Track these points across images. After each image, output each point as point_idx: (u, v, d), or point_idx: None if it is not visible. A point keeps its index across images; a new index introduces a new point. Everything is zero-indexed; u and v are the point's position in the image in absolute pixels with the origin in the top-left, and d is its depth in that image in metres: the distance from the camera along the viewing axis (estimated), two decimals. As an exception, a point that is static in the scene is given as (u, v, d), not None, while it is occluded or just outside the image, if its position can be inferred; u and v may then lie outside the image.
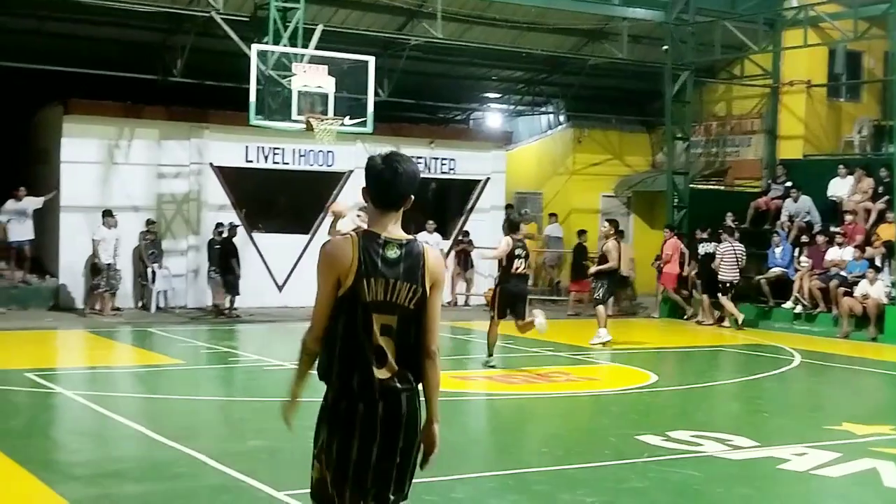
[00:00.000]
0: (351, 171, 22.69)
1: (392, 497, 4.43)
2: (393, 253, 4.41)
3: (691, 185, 23.93)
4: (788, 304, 20.10)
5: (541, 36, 23.70)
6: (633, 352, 16.96)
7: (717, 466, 8.74)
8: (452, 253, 23.88)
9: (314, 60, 18.37)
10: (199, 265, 21.51)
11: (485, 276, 24.34)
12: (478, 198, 24.79)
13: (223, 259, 20.27)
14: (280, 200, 24.17)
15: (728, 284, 20.13)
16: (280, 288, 22.02)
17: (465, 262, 24.13)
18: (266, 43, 18.63)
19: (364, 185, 4.52)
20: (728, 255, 20.13)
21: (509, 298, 14.38)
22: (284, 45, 18.63)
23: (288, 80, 18.08)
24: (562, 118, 28.80)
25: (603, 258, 17.37)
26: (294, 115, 18.08)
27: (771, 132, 25.10)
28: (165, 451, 8.84)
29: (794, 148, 24.59)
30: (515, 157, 27.43)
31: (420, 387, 4.50)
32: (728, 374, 15.52)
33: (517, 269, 14.34)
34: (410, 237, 4.53)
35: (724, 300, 20.22)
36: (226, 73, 20.90)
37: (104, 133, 20.95)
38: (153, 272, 20.71)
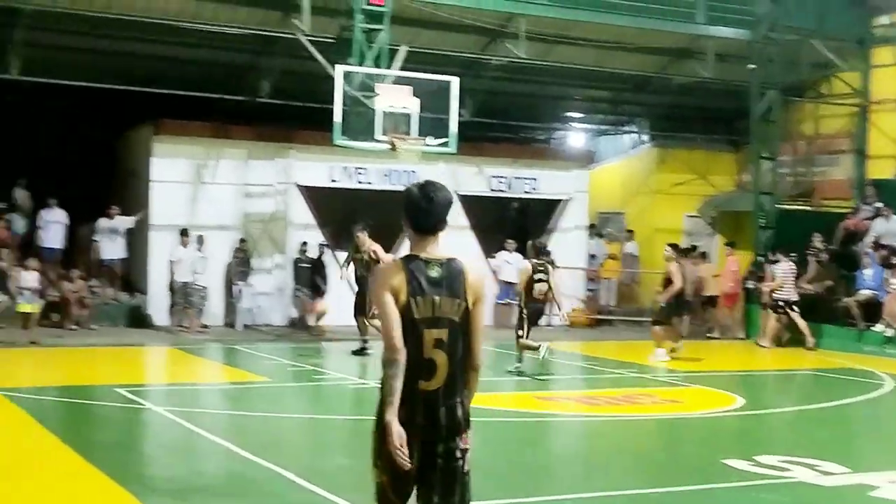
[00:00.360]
0: (434, 191, 22.75)
1: (437, 501, 4.74)
2: (435, 272, 4.80)
3: (778, 206, 23.57)
4: (879, 328, 19.65)
5: (625, 55, 23.61)
6: (718, 375, 16.71)
7: (807, 493, 8.56)
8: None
9: (398, 81, 18.54)
10: (285, 283, 21.78)
11: (566, 297, 24.24)
12: (560, 217, 24.71)
13: (312, 278, 20.57)
14: (364, 220, 24.29)
15: (785, 304, 20.11)
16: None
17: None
18: (351, 64, 18.85)
19: (403, 212, 4.92)
20: (788, 275, 20.15)
21: (530, 319, 15.24)
22: (369, 66, 18.83)
23: (372, 100, 18.26)
24: (645, 137, 28.61)
25: (668, 281, 17.33)
26: (378, 136, 18.24)
27: (860, 151, 24.60)
28: (251, 467, 8.94)
29: (884, 167, 24.07)
30: (598, 176, 27.29)
31: (461, 396, 4.87)
32: (816, 398, 15.20)
33: (538, 293, 15.16)
34: (450, 256, 4.88)
35: (796, 317, 20.14)
36: (311, 93, 21.17)
37: (193, 153, 21.34)
38: (240, 290, 21.01)
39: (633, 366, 16.52)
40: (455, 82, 19.09)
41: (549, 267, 15.69)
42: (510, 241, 23.06)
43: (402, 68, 19.25)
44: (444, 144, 18.91)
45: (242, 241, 21.33)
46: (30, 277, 18.04)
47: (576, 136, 30.54)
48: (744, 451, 10.01)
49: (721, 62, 23.85)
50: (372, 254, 16.90)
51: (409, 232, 4.93)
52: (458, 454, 4.82)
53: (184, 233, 20.24)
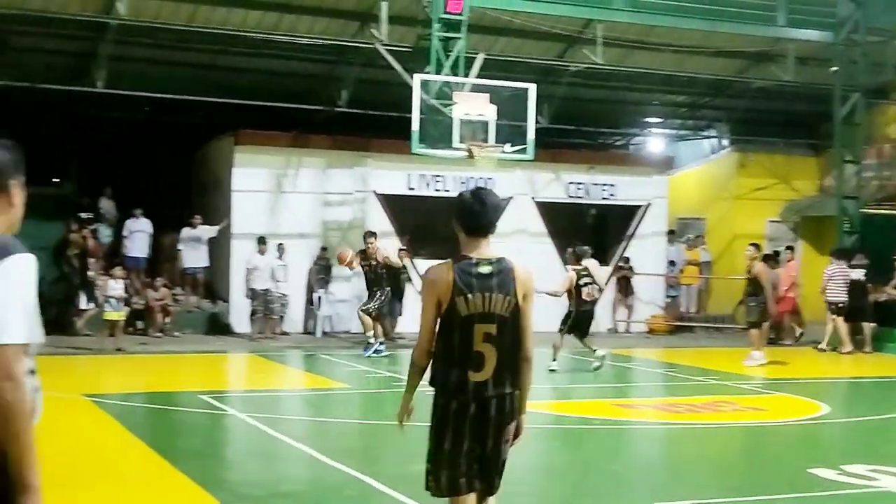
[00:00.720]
0: (510, 198, 22.77)
1: (484, 482, 5.25)
2: (486, 269, 5.14)
3: (862, 210, 23.11)
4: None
5: (704, 59, 23.38)
6: (802, 382, 16.44)
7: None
8: (613, 279, 23.67)
9: (475, 89, 18.59)
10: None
11: (645, 303, 24.08)
12: (639, 223, 24.53)
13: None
14: (441, 227, 24.39)
15: (838, 306, 20.07)
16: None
17: (625, 288, 23.88)
18: (428, 72, 18.94)
19: (455, 217, 5.28)
20: (837, 277, 20.19)
21: (580, 321, 16.07)
22: (446, 75, 18.90)
23: (449, 108, 18.32)
24: (725, 142, 28.27)
25: (755, 282, 17.18)
26: (455, 143, 18.30)
27: (948, 154, 24.07)
28: (334, 473, 9.01)
29: (974, 170, 23.51)
30: (677, 181, 27.02)
31: (512, 387, 5.22)
32: (905, 407, 14.87)
33: (589, 295, 16.09)
34: (501, 255, 5.24)
35: (839, 322, 20.11)
36: (388, 102, 21.32)
37: (273, 162, 21.61)
38: (319, 297, 21.21)
39: (714, 373, 16.32)
40: (532, 89, 19.08)
41: (593, 268, 16.51)
42: (585, 247, 22.89)
43: (479, 76, 19.29)
44: (522, 151, 18.90)
45: (323, 249, 21.54)
46: (116, 286, 18.42)
47: (654, 141, 30.29)
48: (830, 459, 9.84)
49: (802, 65, 23.48)
50: (384, 260, 17.95)
51: (461, 234, 5.28)
52: (503, 443, 5.21)
53: (261, 241, 20.47)
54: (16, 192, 3.39)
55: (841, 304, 20.19)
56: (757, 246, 18.10)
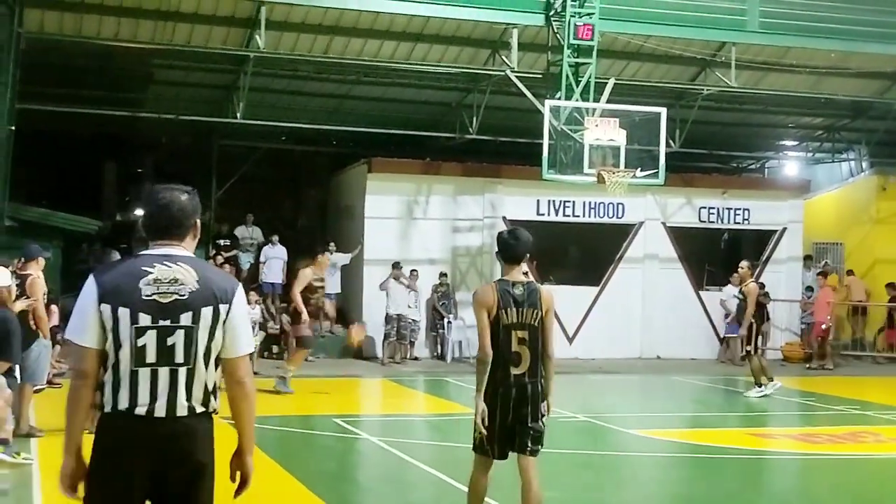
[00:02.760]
0: (641, 223, 22.59)
1: (528, 447, 6.90)
2: (519, 290, 6.83)
3: None
4: None
5: (842, 80, 22.80)
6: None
7: None
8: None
9: (605, 114, 18.53)
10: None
11: (781, 330, 23.49)
12: (774, 248, 23.98)
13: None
14: (571, 252, 24.36)
15: None
16: (570, 339, 22.10)
17: (760, 314, 23.29)
18: (558, 98, 18.96)
19: (497, 250, 7.09)
20: None
21: (758, 334, 16.26)
22: (576, 100, 18.89)
23: (580, 134, 18.31)
24: (864, 165, 27.46)
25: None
26: (586, 169, 18.25)
27: None
28: (464, 498, 9.03)
29: None
30: (814, 206, 26.35)
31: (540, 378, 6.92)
32: None
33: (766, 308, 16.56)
34: (529, 279, 7.08)
35: None
36: (519, 128, 21.43)
37: (404, 189, 21.88)
38: (448, 322, 21.34)
39: (854, 402, 15.81)
40: (664, 113, 18.92)
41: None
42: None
43: (610, 101, 19.22)
44: (653, 176, 18.76)
45: (443, 274, 21.63)
46: (253, 312, 18.87)
47: (790, 164, 29.62)
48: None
49: (946, 84, 22.72)
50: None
51: (501, 263, 7.05)
52: (539, 416, 6.87)
53: (396, 265, 20.72)
54: (198, 228, 4.55)
55: None
56: (752, 263, 17.16)
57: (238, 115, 20.68)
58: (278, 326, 20.74)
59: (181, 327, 4.17)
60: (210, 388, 4.26)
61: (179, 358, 4.17)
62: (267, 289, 21.56)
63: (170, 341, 4.16)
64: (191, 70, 21.36)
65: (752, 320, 16.19)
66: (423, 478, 10.23)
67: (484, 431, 6.77)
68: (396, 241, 21.74)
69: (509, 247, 6.97)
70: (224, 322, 4.24)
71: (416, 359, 21.00)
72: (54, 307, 17.20)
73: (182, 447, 4.19)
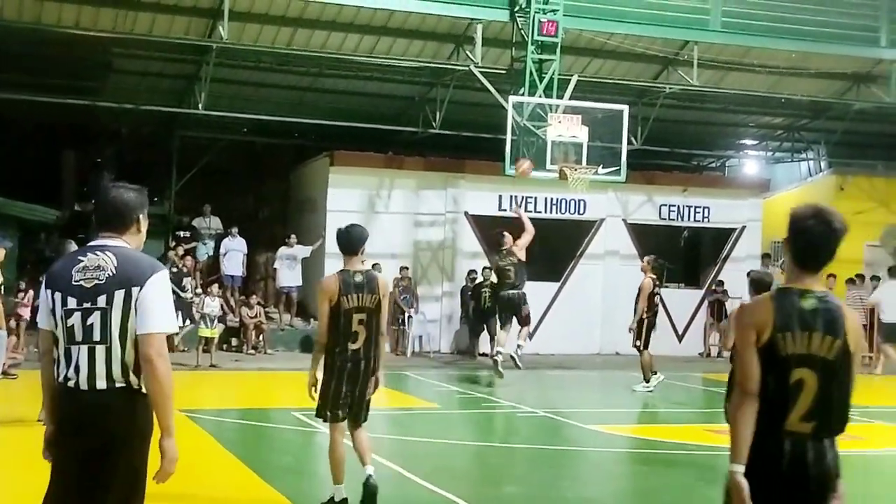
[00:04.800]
0: (602, 220, 22.68)
1: (362, 419, 8.02)
2: (359, 278, 7.87)
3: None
4: None
5: (802, 81, 23.03)
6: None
7: None
8: (706, 303, 23.38)
9: (568, 110, 18.59)
10: (453, 311, 22.01)
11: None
12: (733, 246, 24.18)
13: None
14: (532, 248, 24.38)
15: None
16: (530, 335, 22.12)
17: (719, 312, 23.54)
18: (522, 94, 19.00)
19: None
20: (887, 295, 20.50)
21: (650, 329, 16.10)
22: (540, 96, 18.94)
23: (543, 130, 18.36)
24: (823, 164, 27.76)
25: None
26: (548, 165, 18.31)
27: None
28: (422, 492, 9.07)
29: None
30: (773, 205, 26.55)
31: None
32: None
33: (657, 304, 16.38)
34: (367, 269, 8.18)
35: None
36: (482, 124, 21.45)
37: (366, 183, 21.81)
38: (409, 317, 21.34)
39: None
40: (626, 111, 19.01)
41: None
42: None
43: (573, 97, 19.30)
44: (615, 173, 18.86)
45: (404, 269, 21.60)
46: (212, 303, 18.78)
47: (750, 163, 29.89)
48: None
49: (904, 86, 23.01)
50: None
51: (342, 254, 8.06)
52: (371, 388, 8.02)
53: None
54: (142, 222, 4.86)
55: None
56: (657, 259, 16.85)
57: (200, 105, 20.55)
58: (238, 319, 20.64)
59: (98, 308, 4.61)
60: (130, 365, 4.60)
61: (97, 337, 4.60)
62: (227, 281, 21.45)
63: (89, 321, 4.61)
64: (152, 60, 21.17)
65: (645, 316, 16.29)
66: (380, 471, 10.17)
67: (314, 398, 7.78)
68: (358, 234, 21.62)
69: (346, 240, 7.92)
70: (136, 302, 4.59)
71: (376, 353, 20.96)
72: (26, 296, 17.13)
73: (95, 417, 4.57)
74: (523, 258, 16.83)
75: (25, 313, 17.07)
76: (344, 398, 7.75)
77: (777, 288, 4.53)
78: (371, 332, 7.72)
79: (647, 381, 16.36)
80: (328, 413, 7.82)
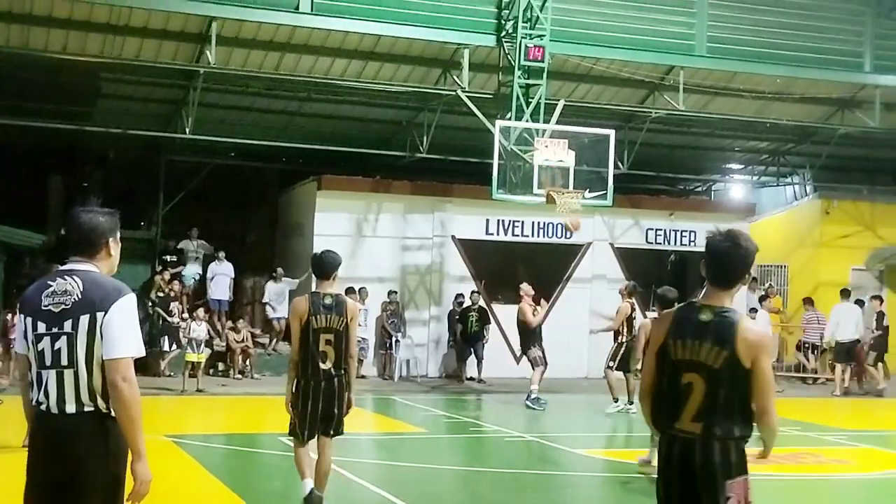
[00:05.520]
0: (589, 244, 22.72)
1: (331, 433, 8.38)
2: (329, 300, 8.20)
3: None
4: None
5: (787, 105, 23.18)
6: (888, 434, 16.02)
7: None
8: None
9: (555, 135, 18.66)
10: (441, 335, 22.00)
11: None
12: (720, 271, 24.17)
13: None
14: (519, 272, 24.41)
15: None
16: (517, 359, 22.11)
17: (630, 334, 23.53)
18: (509, 119, 19.07)
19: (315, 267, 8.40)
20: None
21: (626, 354, 15.94)
22: (527, 121, 19.01)
23: (529, 154, 18.41)
24: (809, 189, 27.90)
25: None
26: (535, 189, 18.36)
27: None
28: (410, 518, 9.03)
29: None
30: (759, 228, 26.62)
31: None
32: None
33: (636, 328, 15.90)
34: (339, 292, 8.39)
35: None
36: (469, 148, 21.51)
37: (354, 207, 21.81)
38: (396, 341, 21.30)
39: (796, 423, 16.00)
40: (612, 135, 19.09)
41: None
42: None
43: (560, 122, 19.38)
44: (601, 197, 18.90)
45: (392, 293, 21.58)
46: (198, 328, 18.73)
47: (736, 187, 30.01)
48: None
49: (888, 111, 23.18)
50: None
51: (315, 278, 8.52)
52: (342, 407, 8.52)
53: (349, 290, 20.59)
54: (113, 246, 4.87)
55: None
56: (634, 285, 17.47)
57: (187, 130, 20.54)
58: (224, 344, 20.58)
59: (65, 333, 4.64)
60: (98, 389, 4.64)
61: (65, 361, 4.64)
62: (213, 305, 21.40)
63: (57, 346, 4.65)
64: (140, 84, 21.18)
65: (623, 340, 16.46)
66: (367, 497, 10.18)
67: (290, 412, 8.25)
68: (346, 258, 21.19)
69: (319, 265, 8.26)
70: (101, 327, 4.61)
71: (363, 377, 20.90)
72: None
73: (65, 442, 4.61)
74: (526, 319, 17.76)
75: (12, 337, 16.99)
76: (313, 415, 8.19)
77: (685, 302, 5.13)
78: (340, 352, 8.12)
79: (617, 401, 16.67)
80: (302, 433, 8.34)
